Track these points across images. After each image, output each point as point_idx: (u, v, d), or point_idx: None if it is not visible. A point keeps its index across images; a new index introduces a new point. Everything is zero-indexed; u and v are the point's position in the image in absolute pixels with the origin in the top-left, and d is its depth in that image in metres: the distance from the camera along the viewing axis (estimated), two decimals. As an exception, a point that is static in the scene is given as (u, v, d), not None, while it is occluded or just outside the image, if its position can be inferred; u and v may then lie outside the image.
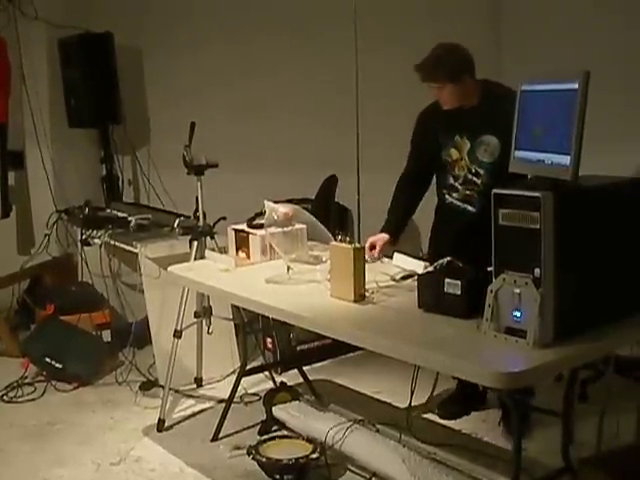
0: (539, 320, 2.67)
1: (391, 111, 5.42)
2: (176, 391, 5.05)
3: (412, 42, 5.31)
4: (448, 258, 3.37)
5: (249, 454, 4.03)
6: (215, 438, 4.46)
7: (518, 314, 2.75)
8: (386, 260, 4.01)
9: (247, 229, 4.27)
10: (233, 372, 5.11)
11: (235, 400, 4.61)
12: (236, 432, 4.51)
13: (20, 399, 5.11)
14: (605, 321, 2.86)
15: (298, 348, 5.53)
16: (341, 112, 5.64)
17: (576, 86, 2.63)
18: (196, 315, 4.90)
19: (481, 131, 4.08)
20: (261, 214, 4.10)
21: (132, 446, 4.46)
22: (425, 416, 4.53)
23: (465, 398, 4.63)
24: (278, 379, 4.88)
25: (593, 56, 4.14)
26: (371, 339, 3.08)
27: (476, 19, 5.85)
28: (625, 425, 3.80)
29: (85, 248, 5.72)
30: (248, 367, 4.68)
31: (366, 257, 3.63)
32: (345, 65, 5.54)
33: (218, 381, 5.30)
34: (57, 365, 5.30)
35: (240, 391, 4.71)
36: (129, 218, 5.56)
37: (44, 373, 5.35)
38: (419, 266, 3.66)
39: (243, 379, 4.62)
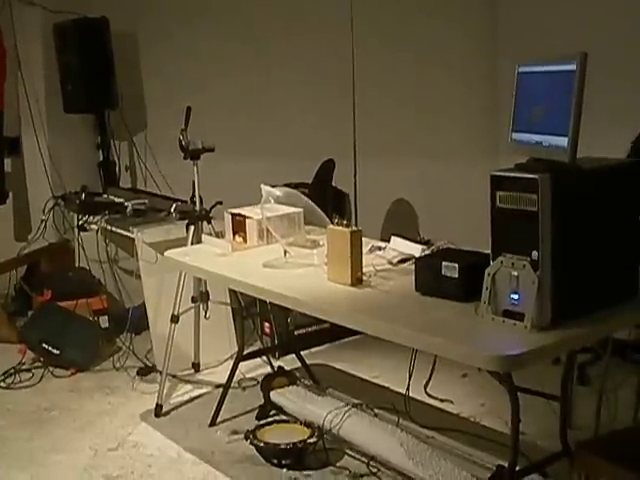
0: (537, 303, 2.66)
1: (387, 96, 5.41)
2: (174, 376, 5.05)
3: (408, 29, 5.30)
4: (445, 241, 3.37)
5: (247, 439, 4.05)
6: (213, 423, 4.46)
7: (516, 297, 2.74)
8: (383, 244, 4.00)
9: (244, 213, 4.25)
10: (231, 357, 5.11)
11: (233, 385, 4.60)
12: (234, 417, 4.51)
13: (17, 385, 5.11)
14: (603, 304, 2.85)
15: (296, 332, 5.52)
16: (338, 97, 5.62)
17: (574, 67, 2.61)
18: (193, 300, 4.89)
19: None
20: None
21: (130, 431, 4.46)
22: (423, 400, 4.53)
23: None
24: (276, 364, 4.89)
25: (591, 39, 4.12)
26: (368, 323, 3.08)
27: (472, 3, 5.82)
28: (623, 408, 3.80)
29: (82, 234, 5.72)
30: (246, 352, 4.68)
31: None
32: (341, 51, 5.52)
33: (216, 366, 5.29)
34: (54, 351, 5.29)
35: (238, 376, 4.70)
36: (126, 203, 5.55)
37: (41, 359, 5.35)
38: (416, 249, 3.65)
39: (241, 364, 4.61)
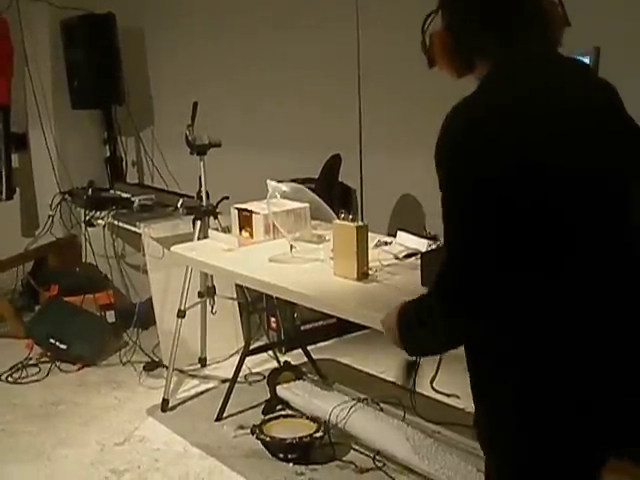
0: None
1: (394, 90, 5.39)
2: (180, 371, 5.06)
3: (414, 20, 5.27)
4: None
5: (253, 433, 4.05)
6: (219, 418, 4.47)
7: (521, 291, 2.73)
8: (390, 239, 4.00)
9: (250, 208, 4.25)
10: (237, 352, 5.11)
11: (239, 380, 4.61)
12: (240, 412, 4.52)
13: (25, 380, 5.12)
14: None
15: (302, 327, 5.50)
16: (344, 91, 5.60)
17: (587, 62, 2.61)
18: (200, 295, 4.89)
19: None
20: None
21: (136, 426, 4.47)
22: (429, 395, 4.53)
23: None
24: (282, 358, 4.89)
25: (603, 33, 4.10)
26: (374, 317, 3.06)
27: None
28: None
29: (89, 229, 5.73)
30: (252, 347, 4.68)
31: None
32: (347, 44, 5.50)
33: (222, 361, 5.29)
34: (61, 346, 5.30)
35: (244, 371, 4.71)
36: (132, 199, 5.55)
37: (48, 354, 5.36)
38: (422, 244, 3.64)
39: (247, 359, 4.62)
